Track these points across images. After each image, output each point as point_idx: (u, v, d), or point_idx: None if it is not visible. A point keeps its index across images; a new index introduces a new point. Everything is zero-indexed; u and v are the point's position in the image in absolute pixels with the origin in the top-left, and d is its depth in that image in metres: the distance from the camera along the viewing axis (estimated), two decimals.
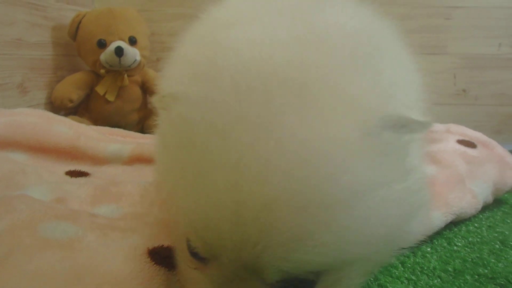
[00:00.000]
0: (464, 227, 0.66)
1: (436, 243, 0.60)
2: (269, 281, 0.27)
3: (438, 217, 0.58)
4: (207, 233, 0.26)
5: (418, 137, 0.31)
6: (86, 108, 1.14)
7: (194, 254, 0.30)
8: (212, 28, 0.38)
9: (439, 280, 0.49)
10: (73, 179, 0.59)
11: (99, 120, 1.11)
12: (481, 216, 0.71)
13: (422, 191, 0.34)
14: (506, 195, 0.83)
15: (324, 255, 0.25)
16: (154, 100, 0.32)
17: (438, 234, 0.63)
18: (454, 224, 0.66)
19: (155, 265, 0.35)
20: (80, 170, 0.62)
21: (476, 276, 0.50)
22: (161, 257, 0.36)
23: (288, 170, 0.24)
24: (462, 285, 0.48)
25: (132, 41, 1.10)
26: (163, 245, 0.38)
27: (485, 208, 0.74)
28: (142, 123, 1.20)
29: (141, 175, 0.65)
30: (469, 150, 0.76)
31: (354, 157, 0.25)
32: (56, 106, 1.08)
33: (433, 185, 0.64)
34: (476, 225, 0.68)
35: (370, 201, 0.26)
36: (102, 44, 1.06)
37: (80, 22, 1.09)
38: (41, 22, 1.04)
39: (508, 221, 0.70)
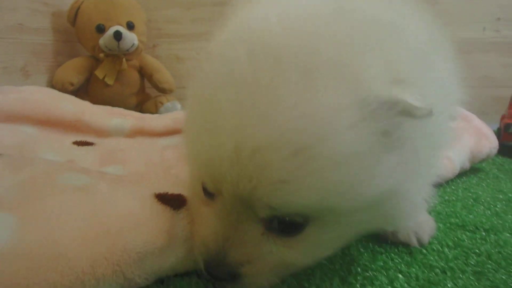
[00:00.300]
0: (442, 189, 0.72)
1: None
2: (261, 215, 0.32)
3: None
4: (212, 169, 0.31)
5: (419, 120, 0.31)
6: (85, 92, 1.18)
7: (205, 192, 0.35)
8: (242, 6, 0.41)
9: None
10: (80, 147, 0.64)
11: (98, 103, 1.14)
12: (458, 180, 0.78)
13: (416, 166, 0.35)
14: (483, 164, 0.89)
15: (306, 198, 0.30)
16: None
17: None
18: (434, 186, 0.72)
19: (161, 204, 0.40)
20: (86, 141, 0.67)
21: (448, 224, 0.56)
22: (167, 199, 0.41)
23: (282, 122, 0.28)
24: (436, 232, 0.53)
25: (130, 26, 1.14)
26: (167, 192, 0.43)
27: (463, 174, 0.81)
28: (140, 106, 1.24)
29: (142, 146, 0.70)
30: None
31: (343, 123, 0.29)
32: (57, 89, 1.09)
33: None
34: (453, 187, 0.74)
35: (354, 163, 0.30)
36: (101, 29, 1.10)
37: (78, 8, 1.13)
38: (42, 8, 1.08)
39: (483, 184, 0.76)
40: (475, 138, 0.79)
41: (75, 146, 0.64)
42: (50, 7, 1.11)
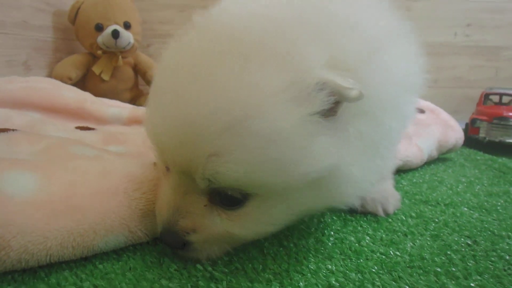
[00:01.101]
0: (411, 173, 0.80)
1: None
2: (201, 187, 0.35)
3: None
4: (158, 144, 0.36)
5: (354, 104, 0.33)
6: (82, 87, 1.22)
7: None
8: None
9: None
10: (83, 131, 0.69)
11: None
12: (427, 167, 0.86)
13: (361, 149, 0.37)
14: (451, 155, 0.97)
15: (236, 171, 0.32)
16: None
17: None
18: (404, 171, 0.80)
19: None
20: (87, 126, 0.72)
21: (413, 200, 0.63)
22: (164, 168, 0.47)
23: (215, 99, 0.31)
24: (402, 205, 0.60)
25: (127, 26, 1.20)
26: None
27: (431, 162, 0.89)
28: (134, 101, 1.30)
29: (139, 132, 0.76)
30: (419, 115, 0.90)
31: (273, 103, 0.31)
32: None
33: None
34: (421, 172, 0.81)
35: (284, 141, 0.31)
36: (99, 28, 1.16)
37: (79, 8, 1.19)
38: (44, 7, 1.13)
39: (449, 170, 0.84)
40: (442, 129, 0.87)
41: (78, 130, 0.70)
42: (52, 6, 1.17)
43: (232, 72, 0.32)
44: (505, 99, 1.19)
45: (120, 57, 1.20)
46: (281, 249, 0.44)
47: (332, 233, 0.50)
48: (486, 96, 1.19)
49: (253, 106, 0.31)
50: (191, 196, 0.37)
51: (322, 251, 0.44)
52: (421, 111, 0.92)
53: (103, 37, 1.16)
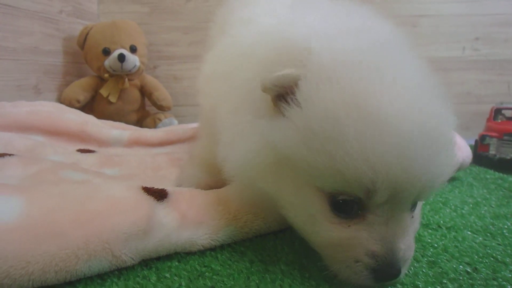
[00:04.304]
0: None
1: None
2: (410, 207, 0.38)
3: None
4: (400, 184, 0.34)
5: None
6: (91, 109, 1.27)
7: (340, 210, 0.38)
8: None
9: None
10: (83, 154, 0.71)
11: (102, 119, 1.24)
12: None
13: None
14: (460, 174, 0.94)
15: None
16: None
17: None
18: None
19: (146, 194, 0.47)
20: (88, 149, 0.74)
21: None
22: (151, 191, 0.48)
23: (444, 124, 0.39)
24: None
25: (133, 49, 1.24)
26: (154, 187, 0.50)
27: None
28: (140, 123, 1.33)
29: (138, 153, 0.77)
30: None
31: None
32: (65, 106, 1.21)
33: None
34: None
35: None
36: (106, 52, 1.21)
37: (87, 34, 1.24)
38: (54, 33, 1.19)
39: (455, 191, 0.81)
40: None
41: (79, 153, 0.71)
42: (62, 32, 1.22)
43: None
44: None
45: (126, 79, 1.24)
46: (266, 275, 0.43)
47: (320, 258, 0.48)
48: (497, 111, 1.15)
49: None
50: (401, 217, 0.38)
51: (307, 278, 0.43)
52: None
53: (110, 61, 1.20)
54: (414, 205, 0.41)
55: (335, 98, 0.35)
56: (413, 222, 0.42)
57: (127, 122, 1.28)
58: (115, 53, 1.20)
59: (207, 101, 0.54)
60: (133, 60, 1.22)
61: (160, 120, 1.29)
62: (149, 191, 0.48)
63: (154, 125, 1.28)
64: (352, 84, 0.35)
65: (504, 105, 1.13)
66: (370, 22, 0.45)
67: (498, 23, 1.44)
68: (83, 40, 1.25)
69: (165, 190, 0.49)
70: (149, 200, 0.46)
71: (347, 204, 0.37)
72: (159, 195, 0.48)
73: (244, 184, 0.46)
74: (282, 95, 0.38)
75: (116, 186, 0.46)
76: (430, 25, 1.45)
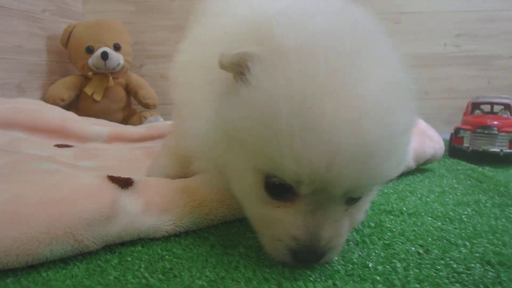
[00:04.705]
0: (384, 184, 0.79)
1: None
2: (346, 198, 0.38)
3: None
4: (318, 171, 0.33)
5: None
6: (76, 107, 1.28)
7: (274, 193, 0.38)
8: None
9: None
10: (60, 148, 0.73)
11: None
12: (403, 178, 0.85)
13: None
14: (433, 165, 0.96)
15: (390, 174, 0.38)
16: None
17: None
18: None
19: (111, 182, 0.49)
20: (66, 144, 0.76)
21: (376, 210, 0.63)
22: (117, 180, 0.50)
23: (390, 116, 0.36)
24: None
25: (117, 47, 1.26)
26: (120, 176, 0.52)
27: (409, 173, 0.88)
28: (126, 121, 1.34)
29: (118, 149, 0.79)
30: None
31: None
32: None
33: None
34: (396, 183, 0.80)
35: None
36: (90, 50, 1.23)
37: (71, 32, 1.26)
38: (38, 32, 1.21)
39: (426, 181, 0.83)
40: (419, 139, 0.86)
41: (56, 148, 0.73)
42: (46, 31, 1.24)
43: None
44: (497, 108, 1.17)
45: (110, 78, 1.25)
46: (224, 257, 0.45)
47: None
48: (475, 106, 1.17)
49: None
50: (333, 209, 0.39)
51: (263, 260, 0.45)
52: None
53: (93, 59, 1.22)
54: (354, 199, 0.41)
55: (281, 82, 0.34)
56: (352, 214, 0.43)
57: (113, 121, 1.29)
58: (98, 51, 1.22)
59: (178, 91, 0.55)
60: (116, 58, 1.24)
61: (145, 118, 1.31)
62: (114, 179, 0.50)
63: (140, 123, 1.30)
64: (302, 71, 0.34)
65: (480, 99, 1.15)
66: (344, 6, 0.43)
67: (479, 20, 1.47)
68: (67, 39, 1.26)
69: (131, 178, 0.51)
70: (113, 187, 0.48)
71: (280, 187, 0.38)
72: (124, 183, 0.50)
73: (210, 171, 0.48)
74: (240, 73, 0.38)
75: (82, 175, 0.48)
76: (413, 22, 1.47)
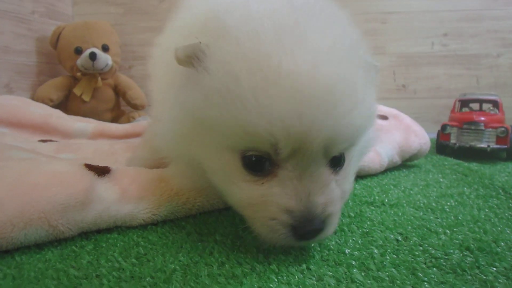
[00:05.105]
0: (369, 178, 0.79)
1: None
2: (328, 158, 0.38)
3: None
4: (298, 129, 0.34)
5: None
6: (65, 108, 1.28)
7: (251, 168, 0.38)
8: None
9: None
10: (44, 143, 0.73)
11: None
12: (388, 173, 0.85)
13: None
14: (420, 161, 0.96)
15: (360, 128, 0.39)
16: None
17: None
18: (362, 177, 0.79)
19: (87, 170, 0.49)
20: (50, 139, 0.76)
21: (358, 202, 0.63)
22: (94, 168, 0.50)
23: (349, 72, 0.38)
24: (344, 206, 0.57)
25: (105, 48, 1.27)
26: (98, 165, 0.52)
27: (395, 168, 0.88)
28: (115, 122, 1.34)
29: (100, 144, 0.79)
30: (380, 121, 0.90)
31: None
32: None
33: None
34: (380, 178, 0.80)
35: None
36: (78, 51, 1.24)
37: (60, 33, 1.27)
38: (26, 33, 1.21)
39: (411, 176, 0.83)
40: (404, 134, 0.87)
41: (40, 143, 0.73)
42: (35, 32, 1.25)
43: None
44: (485, 107, 1.18)
45: (99, 78, 1.26)
46: (199, 243, 0.45)
47: None
48: (463, 104, 1.18)
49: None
50: (319, 173, 0.38)
51: (238, 246, 0.45)
52: (384, 117, 0.93)
53: (82, 60, 1.23)
54: (337, 163, 0.41)
55: (237, 55, 0.36)
56: (340, 183, 0.42)
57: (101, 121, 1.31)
58: (87, 52, 1.23)
59: (151, 86, 0.56)
60: (104, 58, 1.25)
61: (134, 118, 1.31)
62: (90, 167, 0.50)
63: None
64: (254, 43, 0.36)
65: (467, 97, 1.16)
66: None
67: (466, 18, 1.49)
68: (56, 40, 1.27)
69: (108, 167, 0.51)
70: (89, 174, 0.48)
71: (258, 161, 0.38)
72: (101, 171, 0.50)
73: (182, 162, 0.48)
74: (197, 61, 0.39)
75: (58, 162, 0.48)
76: (399, 21, 1.49)
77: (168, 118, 0.43)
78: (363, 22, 1.48)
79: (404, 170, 0.87)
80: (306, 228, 0.37)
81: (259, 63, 0.35)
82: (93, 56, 1.21)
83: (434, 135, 1.15)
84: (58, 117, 0.83)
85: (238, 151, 0.38)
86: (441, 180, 0.79)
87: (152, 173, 0.53)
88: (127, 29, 1.48)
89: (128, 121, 1.31)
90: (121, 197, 0.48)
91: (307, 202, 0.37)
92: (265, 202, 0.38)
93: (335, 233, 0.49)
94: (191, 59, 0.39)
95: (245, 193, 0.39)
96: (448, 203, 0.62)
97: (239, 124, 0.36)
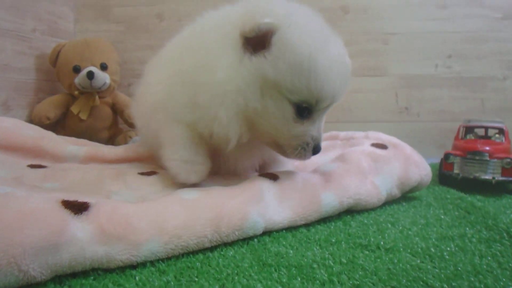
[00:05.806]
0: (365, 214, 0.74)
1: (333, 224, 0.68)
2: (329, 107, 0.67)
3: (329, 196, 0.68)
4: (332, 91, 0.62)
5: None
6: (63, 126, 1.28)
7: (302, 116, 0.63)
8: None
9: (318, 247, 0.57)
10: (33, 169, 0.71)
11: (73, 136, 1.22)
12: (387, 207, 0.80)
13: None
14: (421, 193, 0.92)
15: None
16: None
17: (338, 217, 0.71)
18: (359, 212, 0.75)
19: (63, 208, 0.46)
20: (40, 164, 0.74)
21: (351, 244, 0.58)
22: (71, 204, 0.47)
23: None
24: (336, 250, 0.56)
25: (103, 67, 1.26)
26: (77, 200, 0.49)
27: (394, 202, 0.83)
28: (113, 140, 1.34)
29: (89, 169, 0.77)
30: (379, 151, 0.86)
31: None
32: (35, 123, 1.20)
33: (330, 176, 0.74)
34: (378, 213, 0.76)
35: None
36: (77, 69, 1.23)
37: (59, 51, 1.27)
38: (26, 51, 1.22)
39: (410, 211, 0.78)
40: (403, 165, 0.82)
41: (29, 168, 0.72)
42: (35, 50, 1.25)
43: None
44: (491, 132, 1.14)
45: (97, 97, 1.25)
46: None
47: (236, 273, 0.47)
48: (468, 130, 1.14)
49: None
50: (323, 117, 0.68)
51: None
52: (383, 146, 0.89)
53: (79, 78, 1.23)
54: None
55: (305, 43, 0.59)
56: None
57: (99, 139, 1.29)
58: (84, 71, 1.22)
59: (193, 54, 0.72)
60: (102, 77, 1.24)
61: (131, 137, 1.30)
62: (67, 204, 0.47)
63: (125, 143, 1.29)
64: (314, 36, 0.61)
65: (472, 123, 1.12)
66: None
67: (471, 40, 1.45)
68: (55, 58, 1.27)
69: (87, 202, 0.49)
70: (65, 213, 0.46)
71: (304, 110, 0.63)
72: (79, 208, 0.47)
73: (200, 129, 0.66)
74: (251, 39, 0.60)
75: (34, 200, 0.46)
76: (402, 42, 1.46)
77: (224, 72, 0.61)
78: (364, 42, 1.45)
79: (404, 204, 0.83)
80: (318, 148, 0.67)
81: (320, 48, 0.60)
82: (90, 75, 1.21)
83: (438, 160, 1.11)
84: (50, 139, 0.81)
85: (293, 103, 0.61)
86: (442, 217, 0.75)
87: (134, 207, 0.51)
88: (127, 47, 1.48)
89: (125, 139, 1.30)
90: (98, 237, 0.46)
91: (319, 134, 0.67)
92: (305, 134, 0.65)
93: (323, 284, 0.46)
94: (259, 34, 0.58)
95: (295, 129, 0.64)
96: (448, 248, 0.58)
97: (305, 85, 0.60)
